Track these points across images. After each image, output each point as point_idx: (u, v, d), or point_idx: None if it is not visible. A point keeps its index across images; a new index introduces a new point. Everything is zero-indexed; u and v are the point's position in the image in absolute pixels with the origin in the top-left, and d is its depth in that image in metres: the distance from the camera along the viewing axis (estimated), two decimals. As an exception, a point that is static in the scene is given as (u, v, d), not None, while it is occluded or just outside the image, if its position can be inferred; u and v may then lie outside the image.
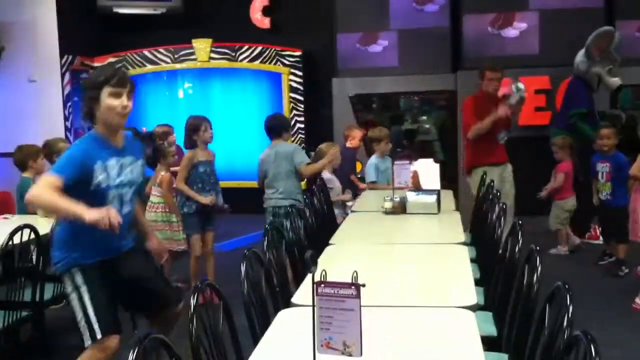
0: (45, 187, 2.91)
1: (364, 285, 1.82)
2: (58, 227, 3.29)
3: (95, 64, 9.65)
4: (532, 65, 8.37)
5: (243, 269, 2.79)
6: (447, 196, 5.41)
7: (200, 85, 9.93)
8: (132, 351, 1.83)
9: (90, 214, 2.83)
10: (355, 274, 1.83)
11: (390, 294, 2.84)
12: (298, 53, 9.38)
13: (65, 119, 9.07)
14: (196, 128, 5.38)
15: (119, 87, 3.04)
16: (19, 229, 3.74)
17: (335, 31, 9.09)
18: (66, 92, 9.12)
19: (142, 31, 9.77)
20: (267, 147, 5.56)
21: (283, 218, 4.21)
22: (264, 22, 9.62)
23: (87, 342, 3.08)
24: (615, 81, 7.17)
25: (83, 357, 3.09)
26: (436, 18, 8.90)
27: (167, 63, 9.71)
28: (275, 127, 5.51)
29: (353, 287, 1.80)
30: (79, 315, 3.09)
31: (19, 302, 3.82)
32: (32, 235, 3.88)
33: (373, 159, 6.47)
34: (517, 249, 3.22)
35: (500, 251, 3.61)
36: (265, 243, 3.30)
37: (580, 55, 7.19)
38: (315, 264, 1.85)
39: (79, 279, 3.10)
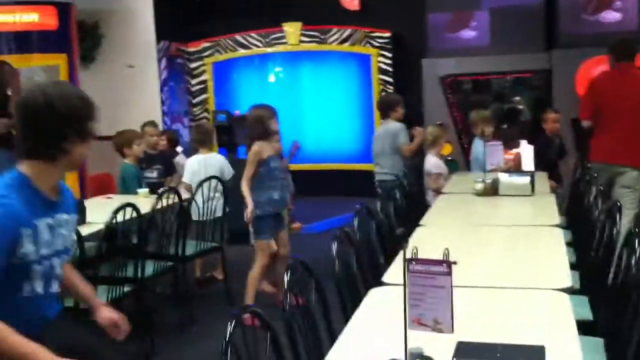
0: None
1: (455, 263, 1.82)
2: None
3: (190, 49, 9.93)
4: (633, 42, 8.00)
5: (334, 247, 2.84)
6: (542, 178, 5.27)
7: (291, 68, 10.04)
8: (229, 323, 1.90)
9: None
10: (446, 251, 1.84)
11: (482, 275, 2.82)
12: (387, 34, 9.31)
13: (162, 103, 9.39)
14: (262, 119, 4.69)
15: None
16: (121, 208, 3.92)
17: (425, 11, 8.97)
18: (163, 77, 9.43)
19: (234, 16, 9.94)
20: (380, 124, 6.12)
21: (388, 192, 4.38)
22: (353, 4, 9.60)
23: None
24: None
25: None
26: (529, -5, 8.64)
27: (259, 47, 9.85)
28: (382, 107, 6.04)
29: (444, 264, 1.81)
30: None
31: (122, 278, 4.02)
32: (134, 214, 4.05)
33: (478, 143, 6.01)
34: (614, 231, 3.13)
35: (597, 235, 3.51)
36: (356, 223, 3.34)
37: None
38: (406, 241, 1.87)
39: None
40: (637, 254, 2.59)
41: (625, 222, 4.63)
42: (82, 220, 4.14)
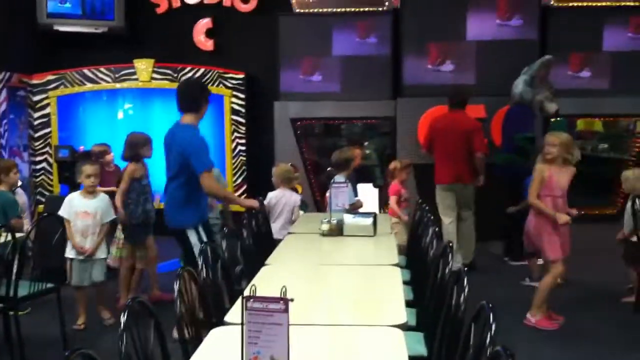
0: (215, 182, 4.56)
1: (292, 300, 1.85)
2: (176, 193, 4.51)
3: (34, 82, 9.48)
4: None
5: (176, 287, 2.79)
6: (384, 219, 5.50)
7: (141, 106, 9.84)
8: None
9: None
10: (284, 289, 1.86)
11: (323, 313, 2.88)
12: (241, 76, 9.40)
13: (0, 136, 8.85)
14: (141, 143, 5.87)
15: None
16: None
17: (278, 55, 9.17)
18: (2, 109, 8.90)
19: (83, 50, 9.64)
20: None
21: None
22: (207, 44, 9.64)
23: None
24: (554, 107, 7.54)
25: None
26: (377, 47, 9.08)
27: (108, 82, 9.60)
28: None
29: (281, 301, 1.84)
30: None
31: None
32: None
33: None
34: (447, 270, 3.30)
35: (431, 273, 3.70)
36: (201, 262, 3.30)
37: (522, 85, 7.45)
38: (245, 279, 1.88)
39: (202, 233, 4.45)
40: (466, 291, 2.76)
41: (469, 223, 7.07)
42: None
